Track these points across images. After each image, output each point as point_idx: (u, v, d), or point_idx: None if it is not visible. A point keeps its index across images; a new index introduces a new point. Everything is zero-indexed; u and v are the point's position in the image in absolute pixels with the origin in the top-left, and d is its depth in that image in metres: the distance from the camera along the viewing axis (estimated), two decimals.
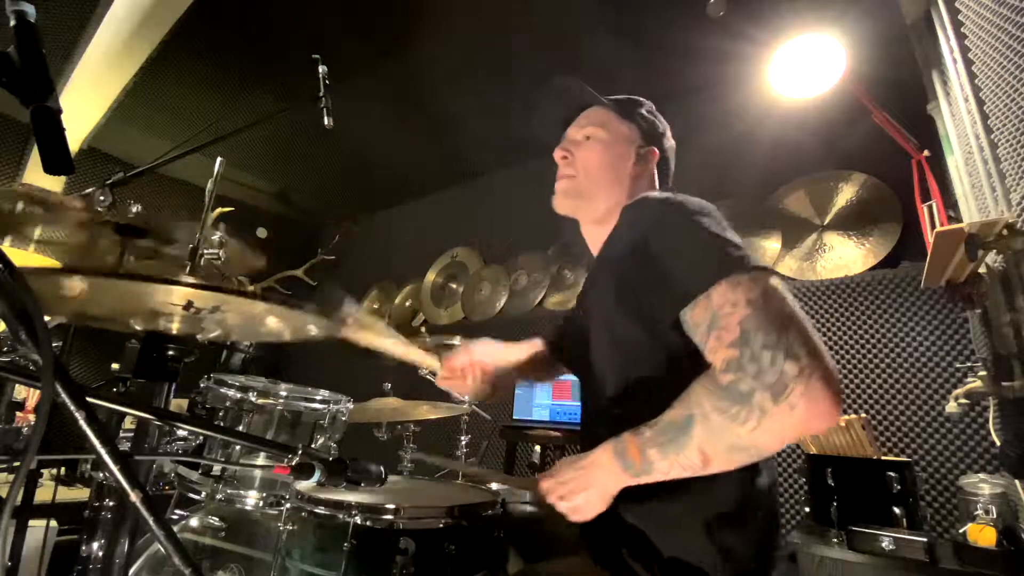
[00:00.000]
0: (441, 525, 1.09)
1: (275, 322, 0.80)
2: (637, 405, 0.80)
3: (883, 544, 1.27)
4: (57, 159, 0.57)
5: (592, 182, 0.98)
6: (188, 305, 0.64)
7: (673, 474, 0.69)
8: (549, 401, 2.52)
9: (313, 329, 0.83)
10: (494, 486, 1.53)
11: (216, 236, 1.22)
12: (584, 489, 0.77)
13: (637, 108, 1.04)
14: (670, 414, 0.70)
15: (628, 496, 0.77)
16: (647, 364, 0.81)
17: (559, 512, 0.81)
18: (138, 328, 0.79)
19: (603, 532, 0.84)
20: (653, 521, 0.79)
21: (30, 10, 0.59)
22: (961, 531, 1.29)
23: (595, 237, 1.01)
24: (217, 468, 1.38)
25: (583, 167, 0.98)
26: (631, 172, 0.99)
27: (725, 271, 0.68)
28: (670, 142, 1.07)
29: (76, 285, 0.59)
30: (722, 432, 0.64)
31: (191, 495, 1.44)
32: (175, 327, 0.77)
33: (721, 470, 0.68)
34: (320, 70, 1.62)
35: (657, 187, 1.04)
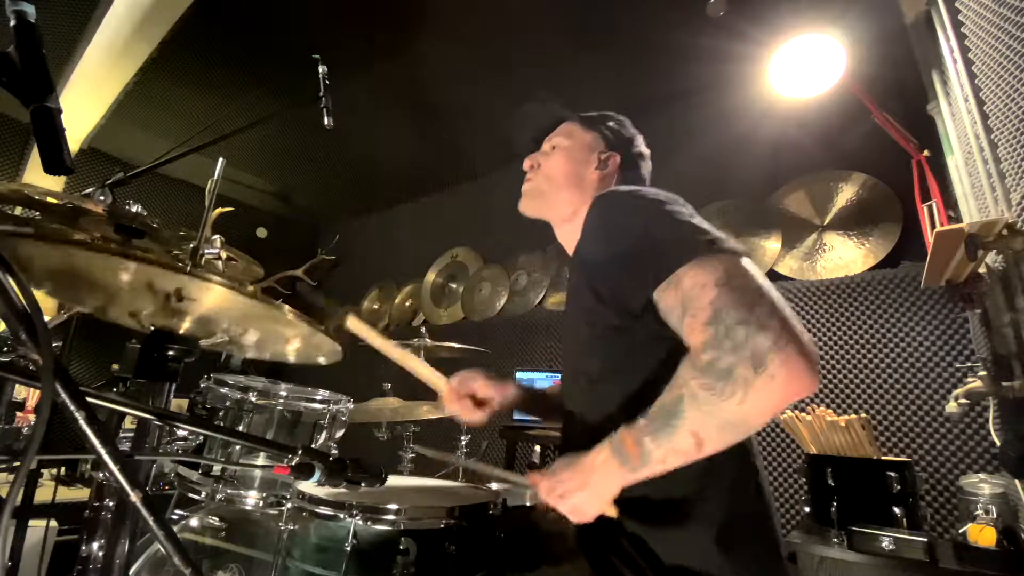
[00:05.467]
0: (442, 525, 1.09)
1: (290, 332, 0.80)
2: (611, 396, 0.82)
3: (883, 544, 1.28)
4: (57, 159, 0.57)
5: (551, 184, 1.04)
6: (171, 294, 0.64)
7: (670, 462, 0.69)
8: None
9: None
10: (494, 486, 1.53)
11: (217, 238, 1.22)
12: (581, 488, 0.76)
13: (604, 120, 1.10)
14: (661, 399, 0.70)
15: (627, 503, 0.76)
16: (619, 354, 0.82)
17: (557, 513, 0.80)
18: (142, 318, 0.79)
19: (600, 540, 0.84)
20: (652, 527, 0.79)
21: (30, 10, 0.59)
22: (961, 531, 1.29)
23: (568, 238, 1.03)
24: (217, 468, 1.38)
25: (545, 173, 1.05)
26: (593, 175, 1.04)
27: (690, 254, 0.71)
28: (639, 148, 1.11)
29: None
30: (711, 409, 0.65)
31: (191, 495, 1.44)
32: (158, 319, 0.77)
33: (714, 451, 0.68)
34: (320, 70, 1.62)
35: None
